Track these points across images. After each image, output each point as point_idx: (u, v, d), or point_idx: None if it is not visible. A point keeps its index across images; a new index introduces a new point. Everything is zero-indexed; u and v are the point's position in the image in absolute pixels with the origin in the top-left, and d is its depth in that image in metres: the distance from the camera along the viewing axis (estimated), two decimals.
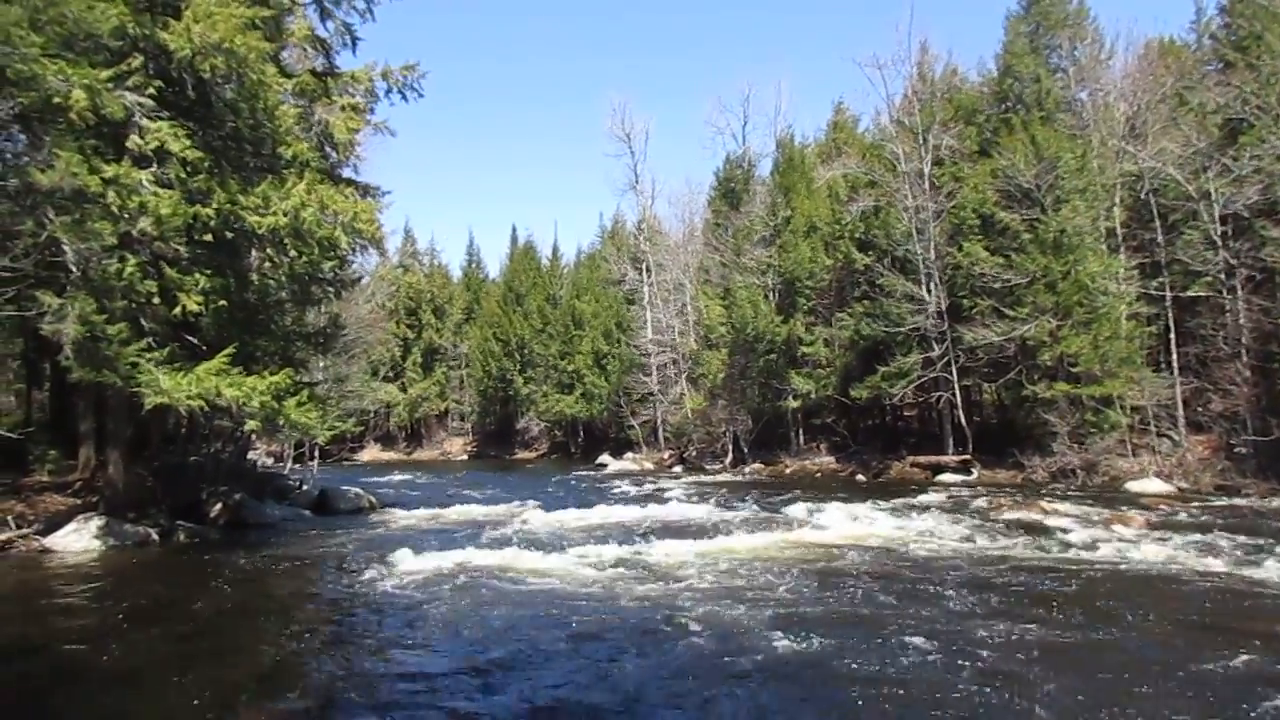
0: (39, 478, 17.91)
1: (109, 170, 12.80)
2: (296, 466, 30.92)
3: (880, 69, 33.11)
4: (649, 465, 41.54)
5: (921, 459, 29.72)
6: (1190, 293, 25.27)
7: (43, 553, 14.01)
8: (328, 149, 17.99)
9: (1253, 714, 6.38)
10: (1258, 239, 22.75)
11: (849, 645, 8.15)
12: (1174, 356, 25.55)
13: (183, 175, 14.12)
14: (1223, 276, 24.36)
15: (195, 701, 6.99)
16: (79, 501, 16.28)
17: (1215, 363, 24.27)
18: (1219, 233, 24.21)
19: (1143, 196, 26.71)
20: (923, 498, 21.57)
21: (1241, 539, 13.56)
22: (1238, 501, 19.34)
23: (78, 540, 14.41)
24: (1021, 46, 30.05)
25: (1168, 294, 25.58)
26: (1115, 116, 27.98)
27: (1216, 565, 11.67)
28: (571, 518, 18.46)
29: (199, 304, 14.25)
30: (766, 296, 35.96)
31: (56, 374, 19.69)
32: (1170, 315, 25.73)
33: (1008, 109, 29.68)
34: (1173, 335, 25.64)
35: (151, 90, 13.85)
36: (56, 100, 12.05)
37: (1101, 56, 30.46)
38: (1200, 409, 24.61)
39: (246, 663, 8.17)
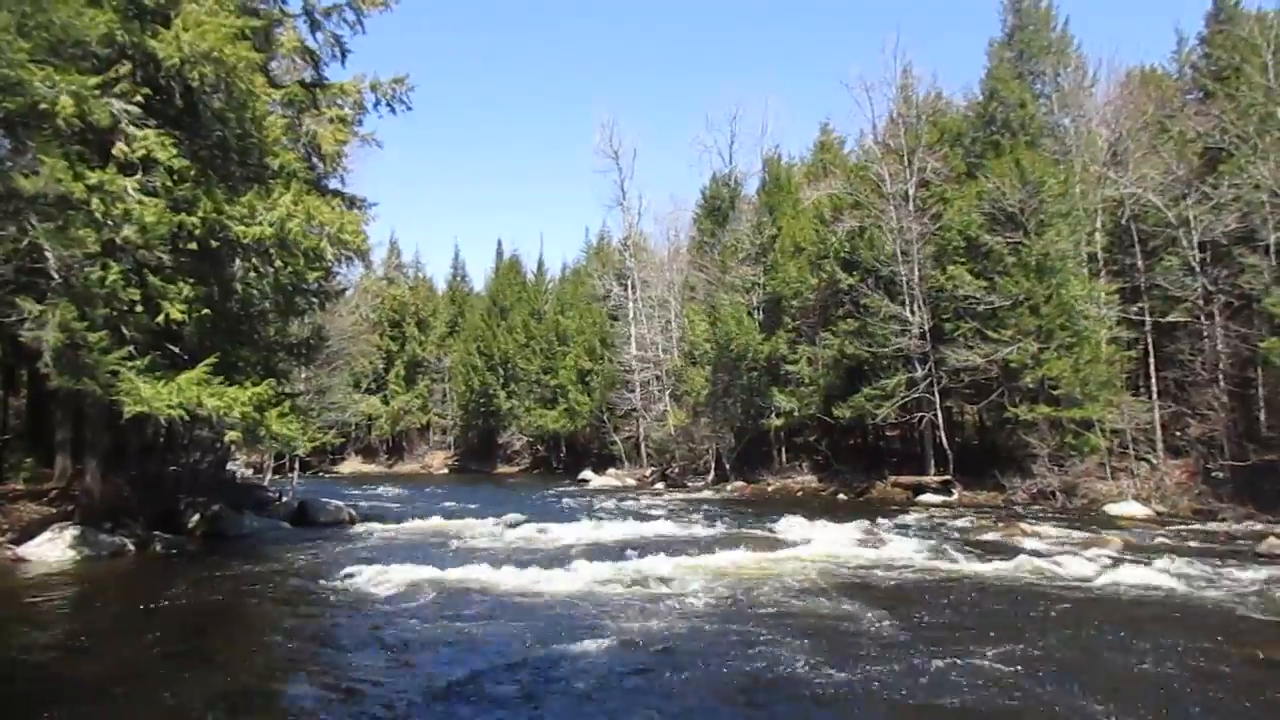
0: (14, 486, 17.69)
1: (94, 177, 12.73)
2: (276, 478, 30.70)
3: (867, 90, 33.48)
4: (631, 481, 41.46)
5: (903, 479, 29.80)
6: (1169, 318, 25.57)
7: (16, 562, 13.82)
8: (315, 160, 17.97)
9: None
10: (1236, 266, 23.06)
11: (825, 664, 8.14)
12: (1153, 381, 25.81)
13: (168, 183, 14.06)
14: (1201, 302, 24.66)
15: (167, 714, 6.91)
16: (54, 510, 16.08)
17: (1193, 387, 24.53)
18: (1198, 259, 24.53)
19: (1123, 222, 27.05)
20: (904, 518, 21.63)
21: (1217, 563, 13.67)
22: (1214, 526, 19.50)
23: (52, 550, 14.23)
24: (1006, 71, 30.42)
25: (1147, 319, 25.87)
26: (1097, 143, 28.35)
27: (1192, 589, 11.74)
28: (551, 534, 18.39)
29: (182, 313, 14.15)
30: (751, 314, 36.09)
31: (34, 381, 19.49)
32: (1149, 340, 26.01)
33: (993, 133, 29.99)
34: (1152, 360, 25.92)
35: (139, 98, 13.82)
36: (43, 106, 11.99)
37: (1084, 84, 30.87)
38: (1178, 433, 24.85)
39: (220, 676, 8.08)
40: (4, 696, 7.43)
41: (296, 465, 31.49)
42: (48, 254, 12.44)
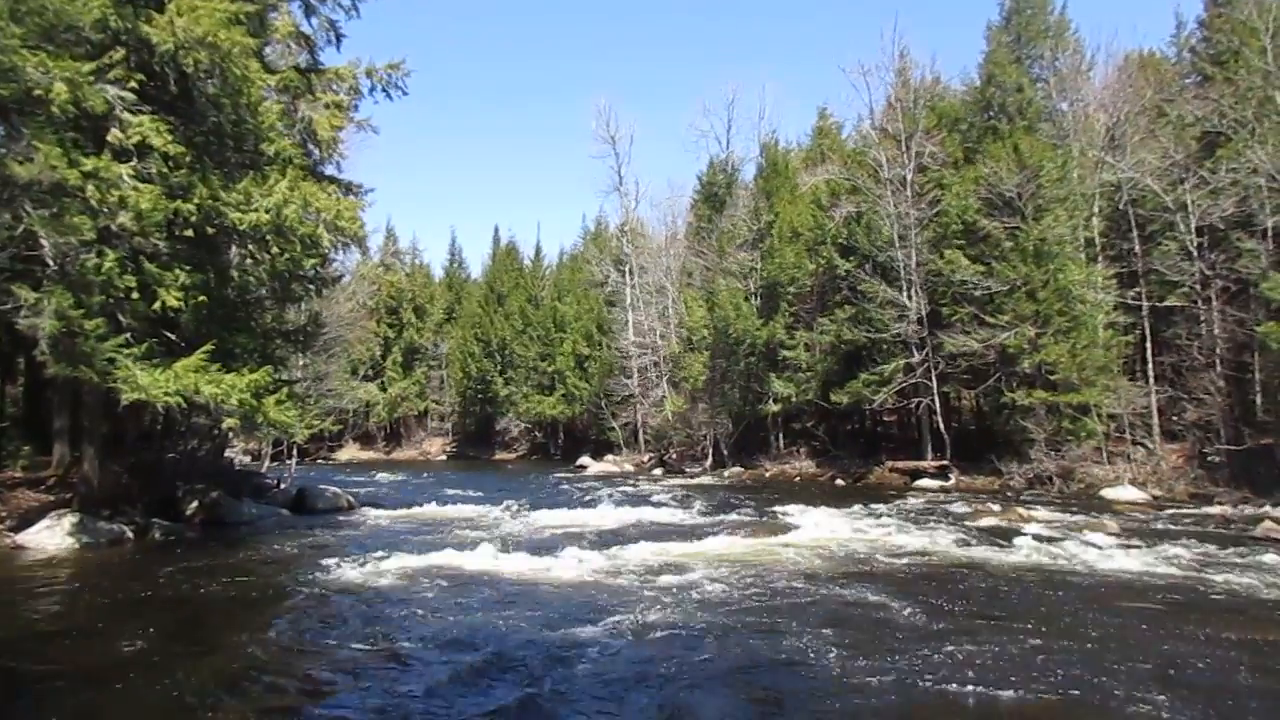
0: (12, 473, 17.68)
1: (89, 164, 12.66)
2: (274, 465, 30.70)
3: (865, 75, 33.39)
4: (629, 467, 41.55)
5: (900, 464, 29.89)
6: (1166, 303, 25.59)
7: (15, 549, 13.84)
8: (310, 146, 17.88)
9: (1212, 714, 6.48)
10: (1233, 250, 23.06)
11: (821, 649, 8.18)
12: (1150, 366, 25.85)
13: (164, 170, 13.99)
14: (1198, 287, 24.67)
15: (167, 701, 6.93)
16: (52, 498, 16.08)
17: (1190, 372, 24.58)
18: (1195, 244, 24.54)
19: (1121, 207, 27.03)
20: (901, 503, 21.70)
21: (1212, 547, 13.74)
22: (1210, 510, 19.57)
23: (51, 537, 14.24)
24: (1004, 56, 30.33)
25: (1144, 303, 25.89)
26: (1095, 127, 28.30)
27: (1187, 573, 11.81)
28: (550, 519, 18.43)
29: (178, 300, 14.09)
30: (748, 299, 36.08)
31: (31, 368, 19.46)
32: (1146, 325, 26.04)
33: (990, 118, 29.93)
34: (1149, 344, 25.95)
35: (133, 84, 13.72)
36: (36, 92, 11.91)
37: (1082, 68, 30.78)
38: (1175, 418, 24.91)
39: (220, 662, 8.10)
40: (3, 683, 7.44)
41: (294, 452, 31.47)
42: (43, 241, 12.39)
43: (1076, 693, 6.98)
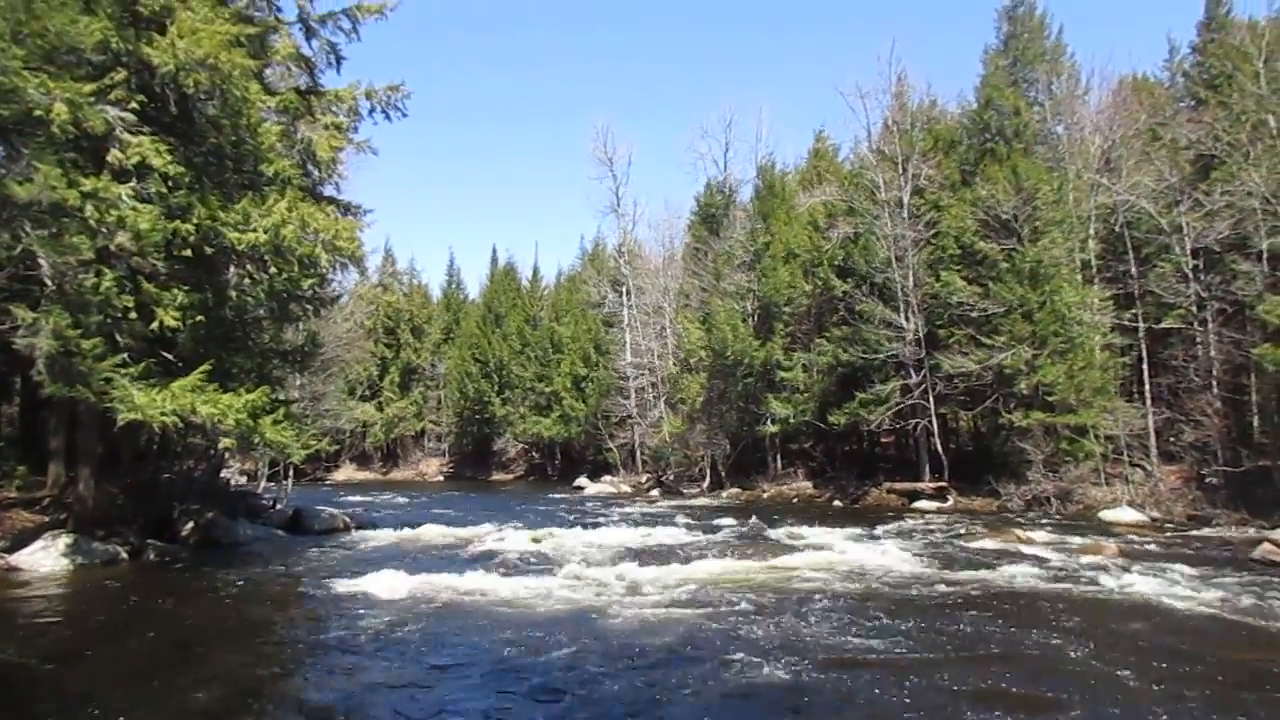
0: (6, 494, 17.55)
1: (88, 184, 12.71)
2: (270, 485, 30.54)
3: (862, 98, 33.58)
4: (626, 488, 41.43)
5: (898, 485, 29.82)
6: (1163, 324, 25.65)
7: (8, 570, 13.75)
8: (310, 167, 17.94)
9: None
10: (1228, 273, 23.14)
11: (819, 673, 8.13)
12: (1146, 387, 25.87)
13: (163, 190, 14.06)
14: (1194, 309, 24.75)
15: None
16: (47, 518, 15.98)
17: (1187, 394, 24.59)
18: (1191, 266, 24.62)
19: (1117, 229, 27.16)
20: (898, 524, 21.63)
21: (1210, 570, 13.70)
22: (1208, 532, 19.54)
23: (45, 558, 14.16)
24: (1001, 79, 30.55)
25: (1140, 325, 25.96)
26: (1090, 150, 28.47)
27: (1185, 595, 11.75)
28: (548, 541, 18.34)
29: (176, 320, 14.12)
30: (745, 320, 36.13)
31: (27, 388, 19.40)
32: (1143, 346, 26.10)
33: (987, 140, 30.12)
34: (1145, 366, 25.99)
35: (134, 105, 13.81)
36: (37, 113, 11.98)
37: (1078, 91, 31.03)
38: (1172, 439, 24.90)
39: (214, 685, 8.03)
40: None
41: (290, 472, 31.38)
42: (41, 261, 12.41)
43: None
